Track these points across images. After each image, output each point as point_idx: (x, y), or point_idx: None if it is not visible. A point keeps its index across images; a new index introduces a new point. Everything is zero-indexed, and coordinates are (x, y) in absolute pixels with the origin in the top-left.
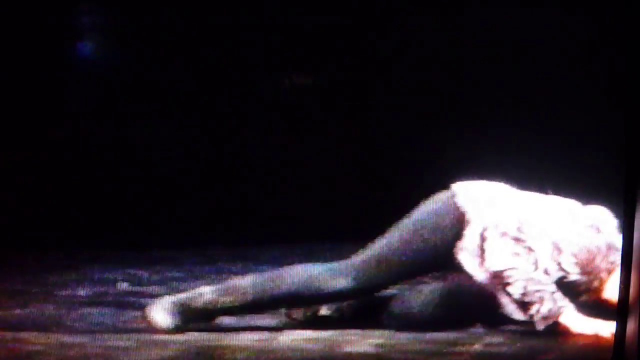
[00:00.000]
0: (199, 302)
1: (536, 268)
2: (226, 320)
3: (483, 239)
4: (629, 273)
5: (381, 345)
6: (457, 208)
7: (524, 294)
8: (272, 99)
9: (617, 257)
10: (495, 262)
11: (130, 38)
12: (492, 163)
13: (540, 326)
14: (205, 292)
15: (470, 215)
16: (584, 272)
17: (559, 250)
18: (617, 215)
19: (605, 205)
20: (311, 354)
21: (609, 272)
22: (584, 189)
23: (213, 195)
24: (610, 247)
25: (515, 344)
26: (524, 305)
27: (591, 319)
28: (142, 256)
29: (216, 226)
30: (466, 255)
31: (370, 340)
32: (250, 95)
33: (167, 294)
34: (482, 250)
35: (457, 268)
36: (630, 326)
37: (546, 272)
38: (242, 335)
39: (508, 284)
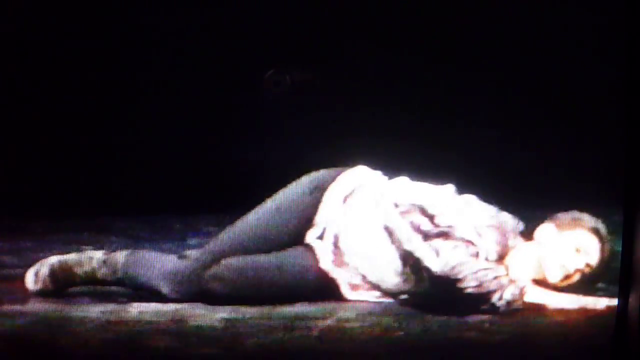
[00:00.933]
0: (83, 268)
1: (478, 256)
2: (75, 290)
3: (399, 241)
4: (630, 253)
5: (229, 320)
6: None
7: (478, 286)
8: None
9: (518, 239)
10: (436, 263)
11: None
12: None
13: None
14: (93, 259)
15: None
16: (500, 256)
17: (479, 235)
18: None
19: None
20: (159, 327)
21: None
22: (584, 190)
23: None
24: (514, 229)
25: (365, 319)
26: (482, 296)
27: (555, 292)
28: None
29: (71, 196)
30: (320, 244)
31: (218, 315)
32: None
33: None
34: (407, 255)
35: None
36: (632, 303)
37: (487, 258)
38: (90, 307)
39: (458, 280)
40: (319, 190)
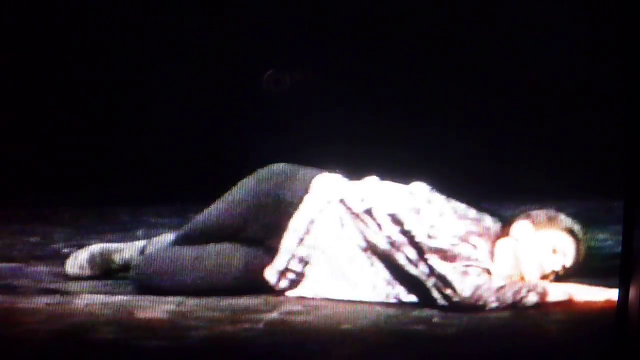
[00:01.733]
0: (122, 255)
1: (489, 272)
2: (21, 282)
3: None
4: (630, 244)
5: (174, 312)
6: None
7: (500, 305)
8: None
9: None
10: (456, 293)
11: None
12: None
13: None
14: (134, 245)
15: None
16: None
17: (474, 247)
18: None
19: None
20: (104, 318)
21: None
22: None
23: None
24: (495, 230)
25: (312, 313)
26: (512, 308)
27: (569, 283)
28: None
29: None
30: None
31: (164, 307)
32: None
33: None
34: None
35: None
36: (633, 292)
37: (490, 272)
38: (36, 299)
39: (484, 305)
40: (270, 198)
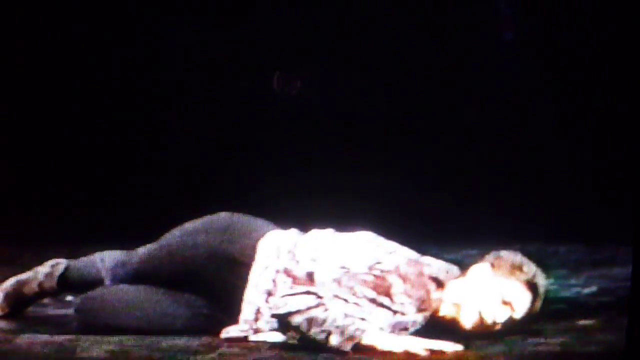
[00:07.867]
0: (31, 285)
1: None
2: None
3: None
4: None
5: (114, 352)
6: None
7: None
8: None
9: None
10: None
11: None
12: None
13: (347, 347)
14: (38, 272)
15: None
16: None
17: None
18: None
19: None
20: (46, 358)
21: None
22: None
23: None
24: (445, 276)
25: (249, 355)
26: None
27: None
28: None
29: None
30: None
31: (104, 347)
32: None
33: None
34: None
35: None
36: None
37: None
38: None
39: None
40: (217, 256)
